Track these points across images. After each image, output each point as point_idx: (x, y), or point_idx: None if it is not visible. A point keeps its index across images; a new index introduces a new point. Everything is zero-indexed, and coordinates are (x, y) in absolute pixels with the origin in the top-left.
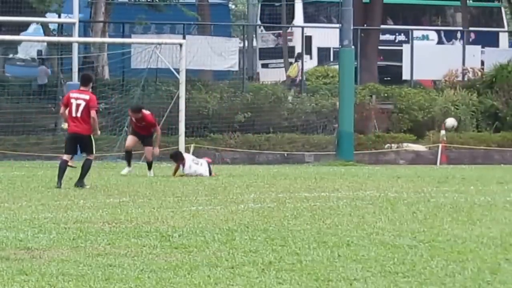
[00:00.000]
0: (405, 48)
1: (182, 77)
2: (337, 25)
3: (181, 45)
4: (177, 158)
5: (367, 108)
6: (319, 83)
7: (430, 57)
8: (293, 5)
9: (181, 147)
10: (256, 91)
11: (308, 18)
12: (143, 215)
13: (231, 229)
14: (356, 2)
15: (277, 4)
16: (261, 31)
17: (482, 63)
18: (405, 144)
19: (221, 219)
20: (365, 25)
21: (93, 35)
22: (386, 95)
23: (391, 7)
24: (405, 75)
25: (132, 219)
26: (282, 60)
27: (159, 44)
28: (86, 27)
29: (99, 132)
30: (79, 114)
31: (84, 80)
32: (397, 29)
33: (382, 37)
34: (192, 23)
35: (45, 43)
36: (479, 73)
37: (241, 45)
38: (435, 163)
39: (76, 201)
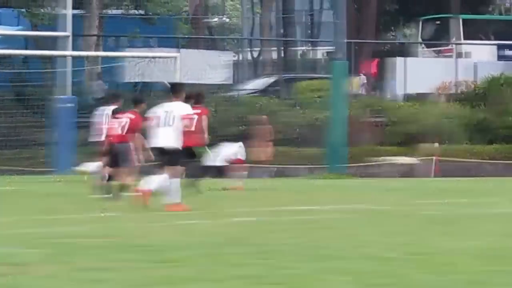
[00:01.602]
0: (399, 61)
1: None
2: (494, 42)
3: (175, 58)
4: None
5: (360, 121)
6: (313, 96)
7: (423, 71)
8: (451, 23)
9: None
10: (250, 105)
11: (466, 35)
12: (134, 229)
13: (220, 243)
14: (349, 16)
15: (437, 22)
16: (422, 47)
17: None
18: (398, 157)
19: (211, 233)
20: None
21: (84, 48)
22: (380, 107)
23: None
24: (399, 89)
25: (122, 234)
26: None
27: (154, 57)
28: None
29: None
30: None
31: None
32: None
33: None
34: (186, 36)
35: None
36: (472, 86)
37: (235, 58)
38: (428, 176)
39: (66, 216)
